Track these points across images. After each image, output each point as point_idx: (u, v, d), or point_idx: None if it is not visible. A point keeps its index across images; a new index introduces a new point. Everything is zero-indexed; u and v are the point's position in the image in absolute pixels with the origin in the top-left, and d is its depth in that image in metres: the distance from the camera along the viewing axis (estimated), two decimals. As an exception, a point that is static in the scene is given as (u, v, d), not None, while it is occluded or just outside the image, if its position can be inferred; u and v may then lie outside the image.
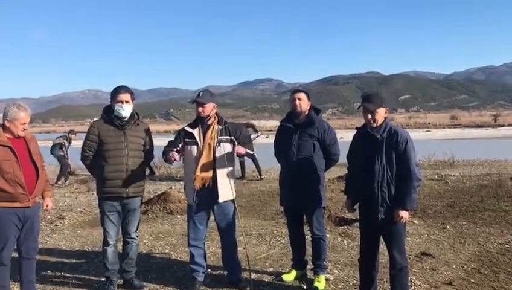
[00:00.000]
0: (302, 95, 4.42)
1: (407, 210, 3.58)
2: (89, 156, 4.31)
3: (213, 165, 4.22)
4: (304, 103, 4.39)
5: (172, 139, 4.41)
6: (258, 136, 12.68)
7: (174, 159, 4.16)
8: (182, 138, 4.31)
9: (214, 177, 4.23)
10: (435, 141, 32.04)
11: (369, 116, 3.64)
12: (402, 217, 3.57)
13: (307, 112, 4.42)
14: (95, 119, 4.52)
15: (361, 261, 3.95)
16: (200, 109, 4.26)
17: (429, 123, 70.10)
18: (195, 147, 4.25)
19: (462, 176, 11.45)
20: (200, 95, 4.29)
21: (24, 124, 3.87)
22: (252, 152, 4.46)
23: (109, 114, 4.29)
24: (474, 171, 12.30)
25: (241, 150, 4.25)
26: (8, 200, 3.80)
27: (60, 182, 12.81)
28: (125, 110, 4.24)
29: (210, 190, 4.24)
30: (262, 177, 12.55)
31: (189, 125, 4.37)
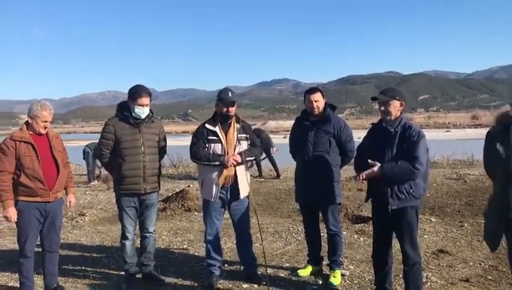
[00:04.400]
0: (318, 96, 4.43)
1: (383, 172, 3.54)
2: (105, 155, 4.37)
3: None
4: (320, 104, 4.43)
5: (195, 139, 4.37)
6: (275, 151, 12.69)
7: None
8: (205, 137, 4.31)
9: (235, 175, 4.31)
10: (454, 141, 31.64)
11: (382, 107, 3.68)
12: (369, 171, 3.57)
13: (322, 110, 4.46)
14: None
15: (374, 257, 3.98)
16: (230, 108, 4.31)
17: (449, 123, 69.21)
18: (220, 145, 4.28)
19: (482, 175, 11.29)
20: (230, 95, 4.33)
21: (46, 122, 4.00)
22: (252, 158, 4.51)
23: (124, 112, 4.34)
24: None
25: (237, 158, 4.25)
26: (29, 194, 3.94)
27: (92, 183, 12.44)
28: (145, 112, 4.33)
29: (230, 187, 4.32)
30: (280, 176, 12.59)
31: (209, 123, 4.37)
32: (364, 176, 3.64)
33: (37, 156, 3.93)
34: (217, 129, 4.30)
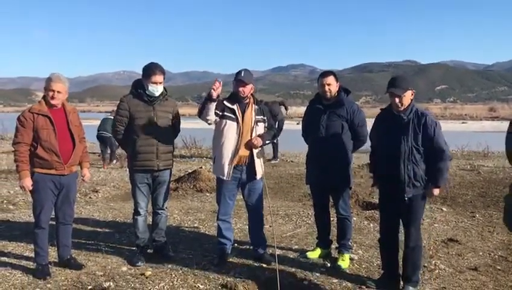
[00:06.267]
0: (331, 79, 4.39)
1: (439, 187, 3.69)
2: (120, 131, 4.43)
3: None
4: (333, 87, 4.39)
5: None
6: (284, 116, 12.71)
7: (218, 87, 3.99)
8: (221, 108, 4.24)
9: (251, 156, 4.34)
10: (470, 132, 31.27)
11: (397, 100, 3.69)
12: (435, 193, 3.71)
13: (336, 94, 4.44)
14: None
15: (382, 241, 4.03)
16: (241, 88, 4.27)
17: (466, 115, 68.25)
18: (235, 124, 4.25)
19: (496, 167, 11.21)
20: (243, 74, 4.27)
21: (53, 91, 4.00)
22: (268, 141, 4.53)
23: (138, 89, 4.37)
24: (508, 163, 12.01)
25: (256, 141, 4.27)
26: (44, 167, 4.02)
27: (114, 162, 12.29)
28: (159, 90, 4.36)
29: (245, 167, 4.35)
30: (277, 160, 12.63)
31: (227, 101, 4.33)
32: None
33: (54, 130, 4.00)
34: (235, 107, 4.27)
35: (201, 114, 4.21)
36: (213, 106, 4.13)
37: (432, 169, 3.66)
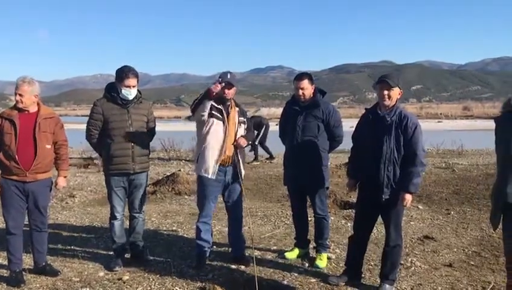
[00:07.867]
0: (305, 84, 4.40)
1: (411, 193, 3.68)
2: (94, 135, 4.37)
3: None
4: (307, 91, 4.41)
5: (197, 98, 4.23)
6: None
7: (218, 87, 4.04)
8: (209, 108, 4.18)
9: (236, 157, 4.35)
10: (445, 131, 31.85)
11: (386, 92, 3.66)
12: (406, 200, 3.67)
13: (312, 95, 4.47)
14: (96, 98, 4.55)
15: (354, 240, 4.06)
16: (227, 91, 4.25)
17: (441, 114, 69.39)
18: (222, 123, 4.24)
19: (470, 164, 11.46)
20: (229, 76, 4.25)
21: (16, 94, 3.92)
22: (250, 142, 4.55)
23: (112, 92, 4.32)
24: (482, 161, 12.29)
25: (242, 141, 4.30)
26: (6, 172, 3.96)
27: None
28: (132, 94, 4.32)
29: (229, 169, 4.35)
30: (258, 162, 12.70)
31: (214, 101, 4.24)
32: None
33: (16, 135, 3.89)
34: (221, 107, 4.26)
35: (197, 109, 4.17)
36: (209, 104, 4.15)
37: (403, 173, 3.65)
